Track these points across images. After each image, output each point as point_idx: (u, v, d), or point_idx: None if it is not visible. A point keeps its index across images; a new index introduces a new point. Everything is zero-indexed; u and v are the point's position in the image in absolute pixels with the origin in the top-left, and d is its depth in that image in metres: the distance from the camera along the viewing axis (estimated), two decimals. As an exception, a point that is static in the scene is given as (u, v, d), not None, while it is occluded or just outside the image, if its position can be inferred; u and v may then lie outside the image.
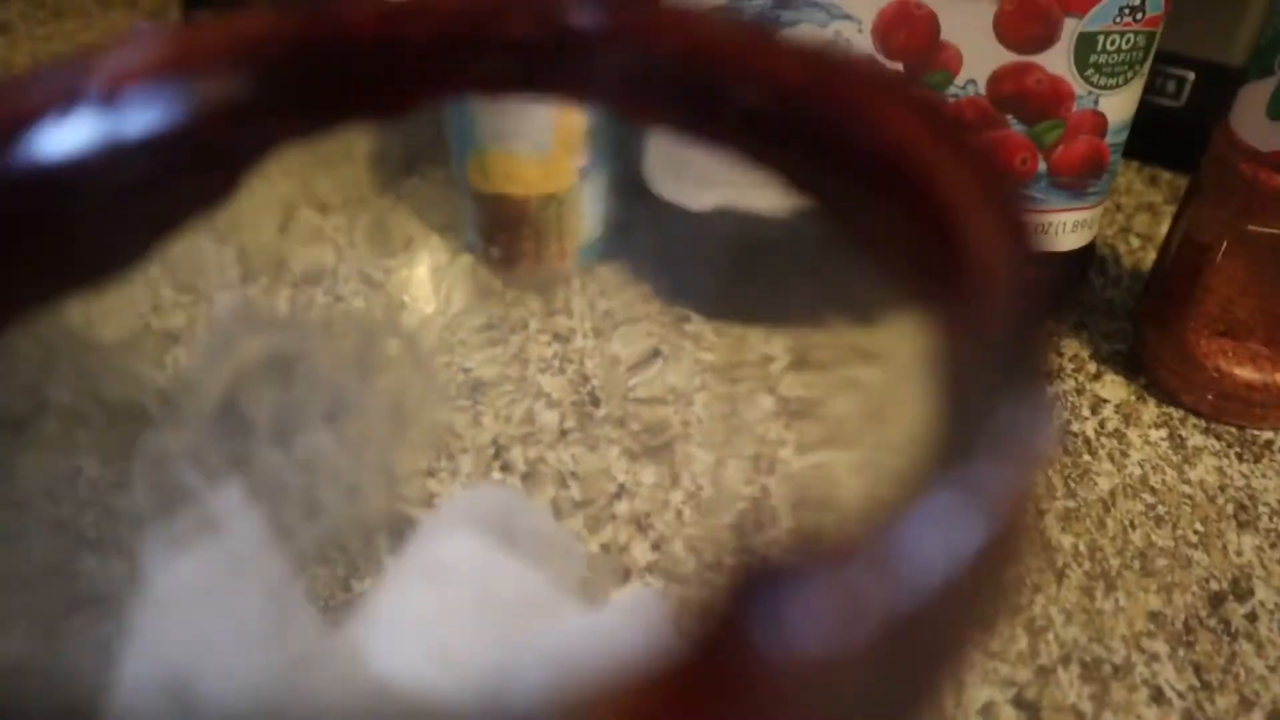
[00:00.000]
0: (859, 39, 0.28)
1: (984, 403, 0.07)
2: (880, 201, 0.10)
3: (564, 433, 0.25)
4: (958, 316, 0.08)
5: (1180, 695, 0.23)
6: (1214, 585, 0.26)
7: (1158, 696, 0.23)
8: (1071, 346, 0.33)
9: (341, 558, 0.17)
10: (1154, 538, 0.27)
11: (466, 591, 0.14)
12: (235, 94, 0.12)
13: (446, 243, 0.30)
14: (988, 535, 0.06)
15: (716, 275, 0.22)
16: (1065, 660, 0.24)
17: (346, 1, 0.13)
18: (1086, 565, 0.26)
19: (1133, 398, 0.31)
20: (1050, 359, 0.08)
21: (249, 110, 0.12)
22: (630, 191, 0.27)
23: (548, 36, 0.13)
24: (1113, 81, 0.27)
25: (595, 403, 0.25)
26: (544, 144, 0.27)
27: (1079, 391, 0.32)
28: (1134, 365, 0.32)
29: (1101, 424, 0.30)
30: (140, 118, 0.12)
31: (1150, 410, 0.31)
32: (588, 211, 0.29)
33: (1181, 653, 0.24)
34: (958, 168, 0.09)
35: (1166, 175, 0.42)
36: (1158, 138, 0.40)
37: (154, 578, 0.13)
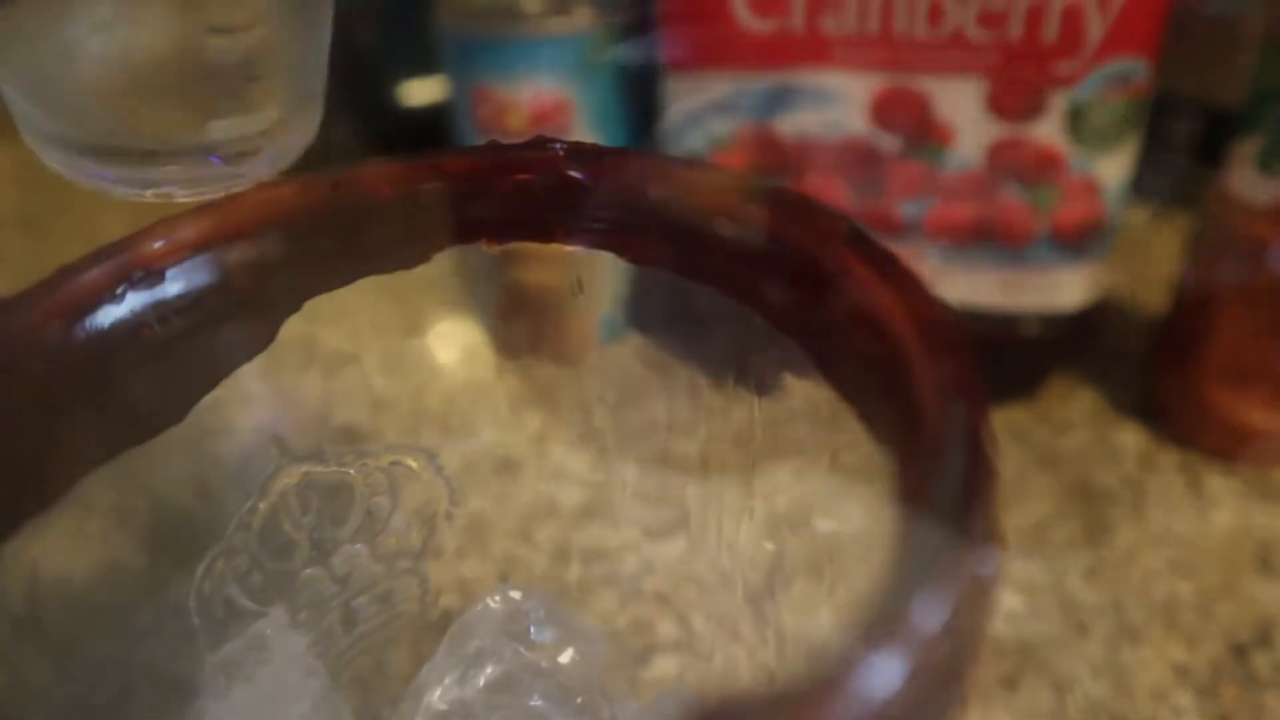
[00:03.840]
0: (856, 119, 0.29)
1: (926, 553, 0.08)
2: (846, 345, 0.11)
3: (587, 510, 0.26)
4: (907, 460, 0.09)
5: (1207, 749, 0.23)
6: (1238, 635, 0.26)
7: (1185, 751, 0.23)
8: (1088, 396, 0.34)
9: (380, 664, 0.18)
10: (1176, 589, 0.27)
11: (497, 694, 0.15)
12: (268, 255, 0.14)
13: (466, 322, 0.31)
14: (914, 681, 0.07)
15: (730, 341, 0.23)
16: (1093, 716, 0.24)
17: (367, 165, 0.14)
18: (1111, 620, 0.26)
19: (1151, 445, 0.32)
20: (995, 507, 0.09)
21: (282, 268, 0.14)
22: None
23: (548, 184, 0.14)
24: (1105, 147, 0.28)
25: (614, 477, 0.26)
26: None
27: (1098, 441, 0.32)
28: (1151, 413, 0.33)
29: (1121, 473, 0.31)
30: (183, 284, 0.13)
31: (1168, 457, 0.31)
32: (606, 287, 0.30)
33: (1208, 705, 0.24)
34: (909, 320, 0.10)
35: (1179, 219, 0.43)
36: (1168, 181, 0.40)
37: (208, 704, 0.14)
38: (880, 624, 0.07)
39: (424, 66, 0.45)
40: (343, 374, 0.20)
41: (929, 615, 0.07)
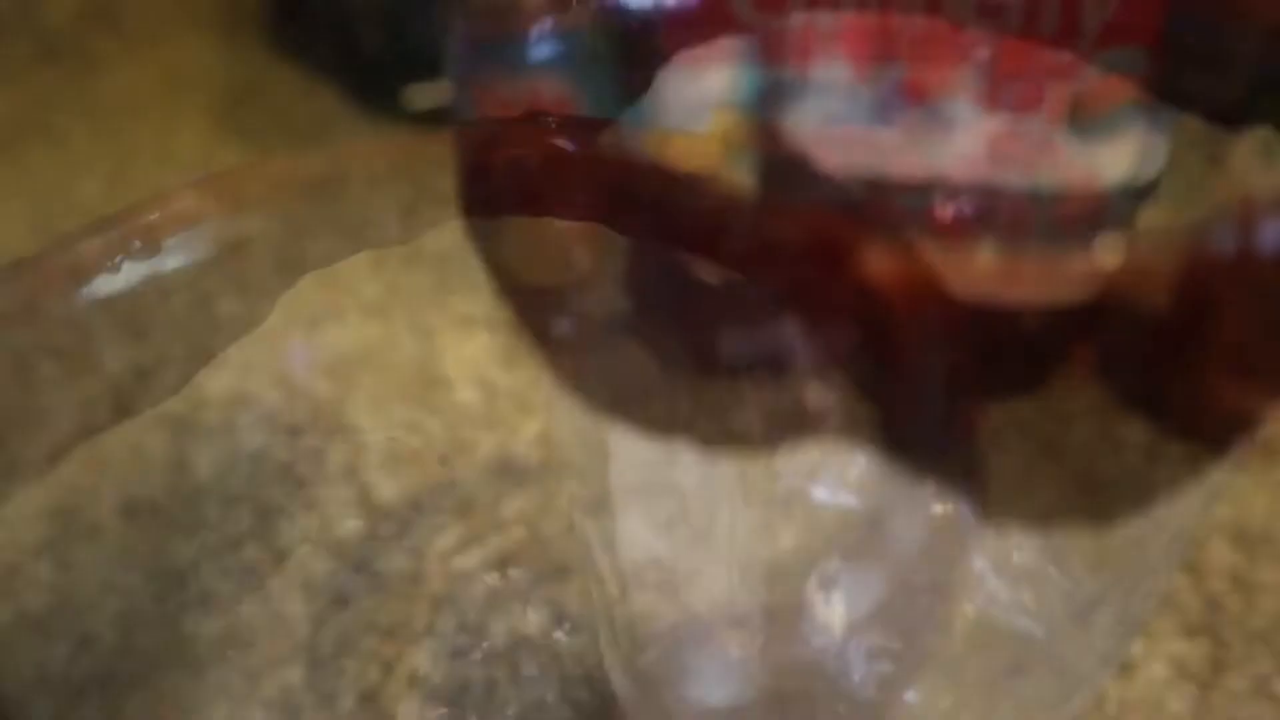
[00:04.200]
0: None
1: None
2: (834, 304, 0.11)
3: (590, 500, 0.26)
4: (893, 405, 0.09)
5: None
6: (1244, 626, 0.26)
7: None
8: (1092, 388, 0.34)
9: (375, 638, 0.18)
10: (1180, 580, 0.27)
11: (495, 667, 0.15)
12: (265, 229, 0.14)
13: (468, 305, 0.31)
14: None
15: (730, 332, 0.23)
16: (1098, 705, 0.24)
17: (362, 140, 0.14)
18: (1115, 609, 0.26)
19: (1155, 438, 0.32)
20: (975, 444, 0.09)
21: (278, 242, 0.14)
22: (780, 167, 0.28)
23: (542, 158, 0.14)
24: (1104, 138, 0.28)
25: (616, 468, 0.26)
26: (702, 126, 0.28)
27: (1102, 433, 0.32)
28: (1155, 405, 0.33)
29: (1125, 465, 0.31)
30: (180, 257, 0.13)
31: (1173, 450, 0.31)
32: (605, 278, 0.30)
33: (1212, 695, 0.24)
34: (895, 272, 0.10)
35: (1180, 209, 0.43)
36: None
37: (203, 676, 0.14)
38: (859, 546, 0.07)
39: (430, 71, 0.46)
40: (339, 352, 0.20)
41: (906, 538, 0.07)
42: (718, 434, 0.24)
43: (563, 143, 0.13)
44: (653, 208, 0.13)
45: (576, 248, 0.19)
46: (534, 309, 0.28)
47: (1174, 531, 0.28)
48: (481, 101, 0.35)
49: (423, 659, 0.18)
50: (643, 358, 0.25)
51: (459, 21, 0.35)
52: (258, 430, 0.30)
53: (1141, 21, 0.27)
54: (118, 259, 0.13)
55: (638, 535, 0.24)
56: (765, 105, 0.30)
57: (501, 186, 0.14)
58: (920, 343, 0.09)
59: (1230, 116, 0.28)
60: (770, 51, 0.29)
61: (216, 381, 0.32)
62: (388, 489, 0.28)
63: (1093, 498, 0.30)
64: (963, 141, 0.29)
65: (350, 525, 0.27)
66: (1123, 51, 0.27)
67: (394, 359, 0.29)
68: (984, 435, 0.09)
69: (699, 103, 0.31)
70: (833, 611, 0.19)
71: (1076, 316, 0.32)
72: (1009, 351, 0.33)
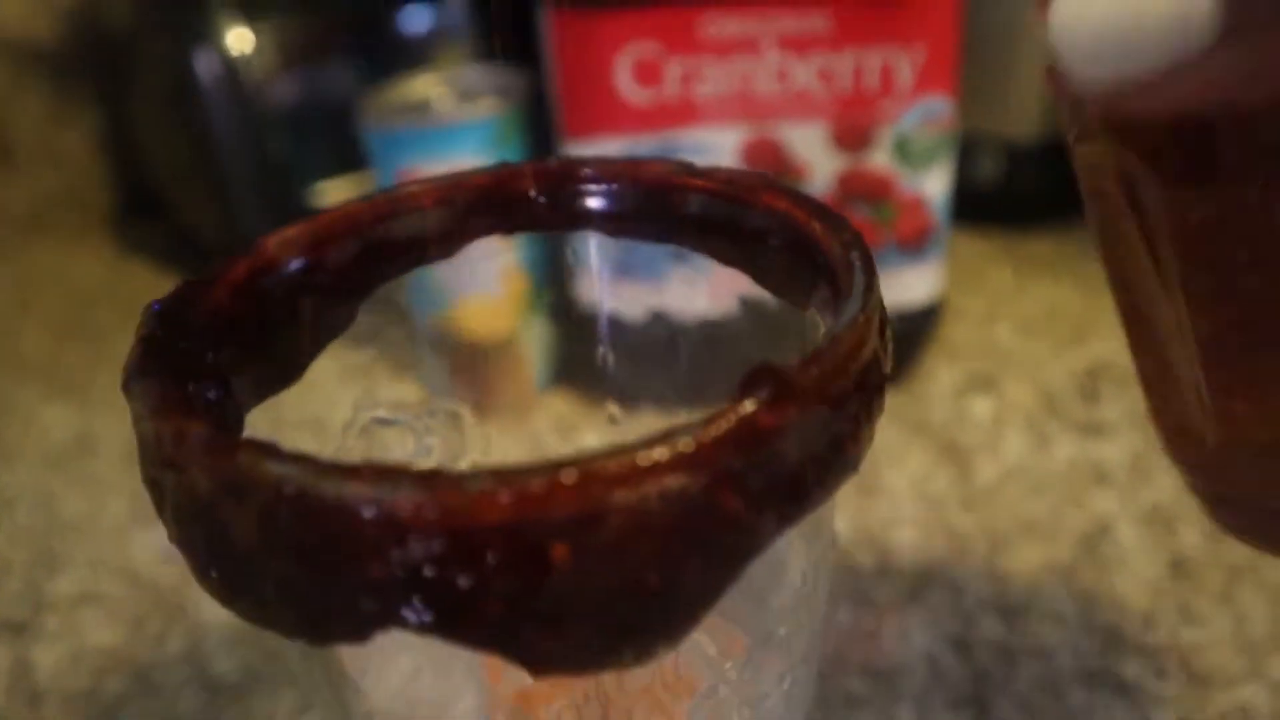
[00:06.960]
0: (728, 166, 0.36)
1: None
2: (773, 254, 0.16)
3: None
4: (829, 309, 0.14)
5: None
6: (1086, 532, 0.32)
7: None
8: (945, 374, 0.40)
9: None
10: (1033, 507, 0.33)
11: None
12: (350, 252, 0.18)
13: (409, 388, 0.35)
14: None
15: (654, 373, 0.27)
16: (982, 607, 0.30)
17: (411, 183, 0.19)
18: (987, 538, 0.32)
19: (1001, 407, 0.39)
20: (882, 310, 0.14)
21: (358, 263, 0.18)
22: (571, 319, 0.32)
23: (544, 187, 0.19)
24: (926, 168, 0.35)
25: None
26: (494, 291, 0.33)
27: (957, 411, 0.39)
28: (993, 383, 0.40)
29: (981, 433, 0.37)
30: (292, 273, 0.18)
31: (1016, 415, 0.38)
32: (538, 342, 0.35)
33: (1072, 585, 0.30)
34: (825, 228, 0.15)
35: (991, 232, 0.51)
36: (980, 205, 0.49)
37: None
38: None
39: (334, 169, 0.50)
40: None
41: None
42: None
43: (559, 176, 0.18)
44: (641, 213, 0.18)
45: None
46: (473, 368, 0.32)
47: (1023, 473, 0.35)
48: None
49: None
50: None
51: (379, 119, 0.39)
52: (102, 626, 0.31)
53: (941, 74, 0.34)
54: (266, 278, 0.16)
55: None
56: (553, 268, 0.35)
57: (517, 213, 0.19)
58: (843, 249, 0.14)
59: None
60: (651, 121, 0.35)
61: (62, 583, 0.32)
62: (225, 663, 0.30)
63: (957, 457, 0.36)
64: (817, 181, 0.36)
65: (191, 704, 0.29)
66: (930, 99, 0.34)
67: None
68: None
69: (490, 268, 0.36)
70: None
71: (925, 316, 0.39)
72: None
